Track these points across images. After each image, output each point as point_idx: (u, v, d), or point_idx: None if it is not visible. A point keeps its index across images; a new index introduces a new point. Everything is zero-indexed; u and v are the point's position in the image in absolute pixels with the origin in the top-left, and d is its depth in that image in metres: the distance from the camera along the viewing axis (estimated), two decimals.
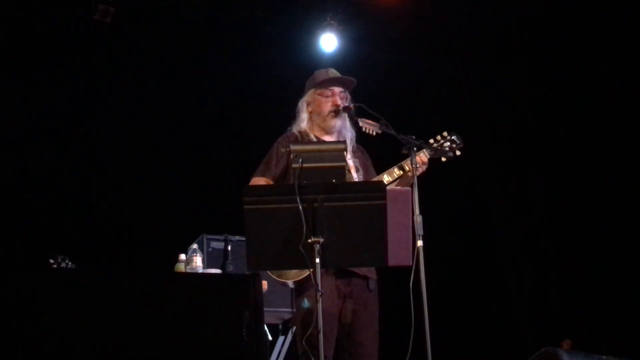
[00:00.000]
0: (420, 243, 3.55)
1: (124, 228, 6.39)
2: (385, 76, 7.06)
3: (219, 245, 5.15)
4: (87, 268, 4.79)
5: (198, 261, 4.22)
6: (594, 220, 6.42)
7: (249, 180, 4.03)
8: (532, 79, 6.92)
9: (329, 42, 7.09)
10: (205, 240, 5.11)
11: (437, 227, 4.14)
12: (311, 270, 3.18)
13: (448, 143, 4.08)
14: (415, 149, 3.83)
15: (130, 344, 3.35)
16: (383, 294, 3.97)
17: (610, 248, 6.30)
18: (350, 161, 3.99)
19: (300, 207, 3.13)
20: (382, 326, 3.92)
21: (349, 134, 4.10)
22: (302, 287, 3.82)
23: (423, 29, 7.04)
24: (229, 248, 5.10)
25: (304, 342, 3.44)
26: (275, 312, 5.08)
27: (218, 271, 4.59)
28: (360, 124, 4.02)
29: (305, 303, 3.71)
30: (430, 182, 3.95)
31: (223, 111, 6.92)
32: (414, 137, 3.86)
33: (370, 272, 3.91)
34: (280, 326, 5.39)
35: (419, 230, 3.56)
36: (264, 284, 3.87)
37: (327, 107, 4.07)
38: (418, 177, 3.75)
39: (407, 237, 3.47)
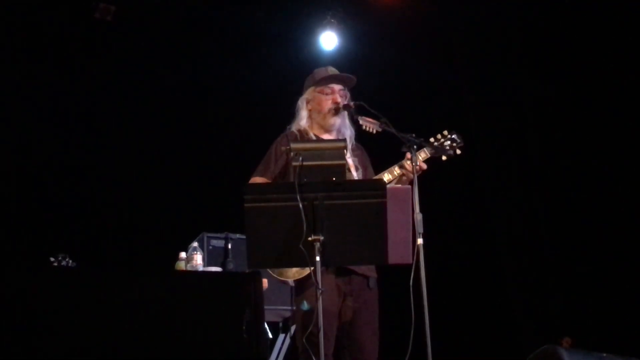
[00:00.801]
0: (420, 241, 3.55)
1: (124, 226, 6.39)
2: (385, 75, 7.06)
3: (220, 243, 5.15)
4: (87, 266, 4.79)
5: (198, 259, 4.22)
6: (594, 219, 6.42)
7: (249, 179, 4.03)
8: (532, 77, 6.92)
9: (329, 40, 7.08)
10: (205, 239, 5.12)
11: (437, 225, 4.14)
12: (312, 268, 3.19)
13: (448, 142, 4.08)
14: (415, 147, 3.83)
15: (131, 342, 3.35)
16: (383, 292, 3.98)
17: (610, 246, 6.30)
18: (349, 160, 3.99)
19: (301, 205, 3.13)
20: (382, 324, 3.93)
21: (349, 132, 4.10)
22: (302, 285, 3.82)
23: (423, 27, 7.04)
24: (230, 246, 5.11)
25: (304, 340, 3.44)
26: (275, 310, 5.09)
27: (218, 269, 4.60)
28: (361, 122, 4.02)
29: (305, 305, 3.71)
30: (430, 181, 3.95)
31: (223, 109, 6.91)
32: (414, 135, 3.86)
33: (370, 270, 3.91)
34: (280, 324, 5.40)
35: (419, 228, 3.56)
36: (264, 282, 3.87)
37: (327, 104, 4.07)
38: (417, 176, 3.75)
39: (407, 235, 3.48)
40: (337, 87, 4.10)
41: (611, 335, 5.95)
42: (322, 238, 3.15)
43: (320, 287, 3.17)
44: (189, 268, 4.19)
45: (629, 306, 6.10)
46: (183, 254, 4.28)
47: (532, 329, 6.74)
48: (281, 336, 5.44)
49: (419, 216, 3.57)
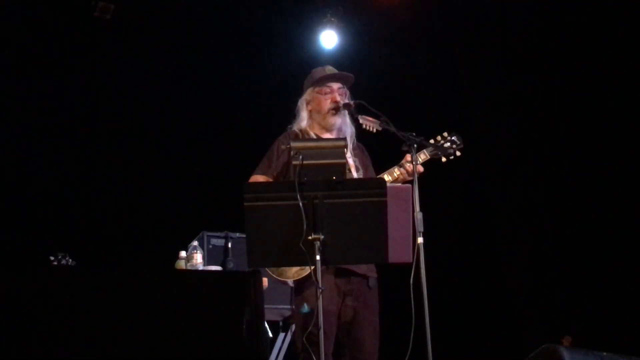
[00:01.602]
0: (420, 240, 3.55)
1: (124, 225, 6.39)
2: (385, 73, 7.05)
3: (220, 242, 5.16)
4: (87, 265, 4.79)
5: (198, 258, 4.23)
6: (595, 217, 6.42)
7: (249, 178, 4.03)
8: (532, 76, 6.91)
9: (329, 39, 7.08)
10: (205, 237, 5.12)
11: (437, 224, 4.14)
12: (312, 268, 3.18)
13: (448, 144, 4.09)
14: (415, 146, 3.83)
15: (131, 342, 3.35)
16: (383, 291, 3.98)
17: (610, 244, 6.29)
18: (350, 160, 3.99)
19: (301, 204, 3.13)
20: (383, 323, 3.92)
21: (349, 131, 4.09)
22: (301, 285, 3.82)
23: (423, 26, 7.04)
24: (230, 245, 5.12)
25: (304, 339, 3.44)
26: (275, 309, 5.09)
27: (218, 268, 4.60)
28: (361, 121, 4.02)
29: (305, 308, 3.71)
30: (430, 179, 3.95)
31: (223, 108, 6.91)
32: (414, 134, 3.86)
33: (370, 270, 3.91)
34: (280, 323, 5.40)
35: (419, 227, 3.56)
36: (264, 281, 3.87)
37: (326, 104, 4.07)
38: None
39: (407, 234, 3.47)
40: (335, 85, 4.10)
41: (611, 334, 5.95)
42: (322, 237, 3.15)
43: (320, 286, 3.17)
44: (189, 267, 4.19)
45: (630, 305, 6.10)
46: (183, 253, 4.28)
47: (532, 328, 6.74)
48: (281, 335, 5.44)
49: (419, 215, 3.56)
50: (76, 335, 3.30)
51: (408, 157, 3.90)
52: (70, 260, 4.56)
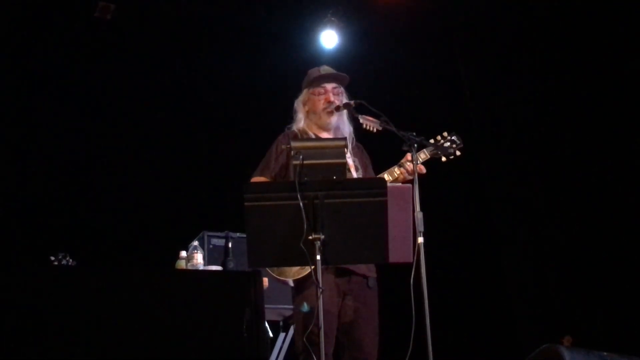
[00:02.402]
0: (420, 240, 3.55)
1: (124, 225, 6.39)
2: (386, 73, 7.06)
3: (220, 242, 5.16)
4: (88, 265, 4.79)
5: (199, 258, 4.22)
6: (595, 217, 6.42)
7: (249, 178, 4.03)
8: (533, 75, 6.91)
9: (329, 38, 7.08)
10: (206, 237, 5.12)
11: (437, 224, 4.14)
12: (312, 267, 3.18)
13: (448, 143, 4.09)
14: (415, 145, 3.83)
15: (131, 341, 3.35)
16: (383, 291, 3.98)
17: (611, 244, 6.29)
18: (349, 160, 3.99)
19: (301, 204, 3.13)
20: (383, 323, 3.92)
21: (347, 130, 4.10)
22: (301, 285, 3.82)
23: (424, 25, 7.04)
24: (230, 245, 5.11)
25: (304, 339, 3.44)
26: (276, 309, 5.09)
27: (219, 268, 4.60)
28: (361, 120, 4.02)
29: (305, 307, 3.71)
30: (430, 179, 3.95)
31: (224, 108, 6.91)
32: (414, 133, 3.86)
33: (370, 270, 3.91)
34: (281, 323, 5.40)
35: (420, 227, 3.56)
36: (265, 280, 3.87)
37: (321, 104, 4.09)
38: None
39: (407, 234, 3.47)
40: (329, 86, 4.12)
41: (612, 334, 5.95)
42: (322, 237, 3.15)
43: (320, 286, 3.17)
44: (189, 267, 4.19)
45: (630, 305, 6.10)
46: (183, 253, 4.27)
47: (532, 328, 6.74)
48: (281, 335, 5.44)
49: (419, 215, 3.56)
50: (77, 335, 3.30)
51: (408, 156, 3.90)
52: (71, 260, 4.56)
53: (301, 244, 3.14)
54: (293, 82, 4.40)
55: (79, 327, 3.31)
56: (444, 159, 4.08)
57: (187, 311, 3.44)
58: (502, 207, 7.16)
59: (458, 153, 4.11)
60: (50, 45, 6.40)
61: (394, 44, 7.12)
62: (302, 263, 3.30)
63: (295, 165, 3.20)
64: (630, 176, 6.22)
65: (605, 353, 4.24)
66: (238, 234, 5.10)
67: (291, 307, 4.10)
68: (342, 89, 4.13)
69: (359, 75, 4.17)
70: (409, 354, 3.52)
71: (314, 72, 4.17)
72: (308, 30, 7.13)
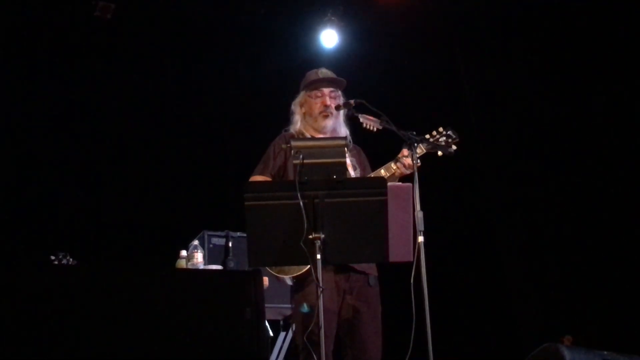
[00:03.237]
0: (421, 239, 3.55)
1: (125, 224, 6.40)
2: (386, 72, 7.06)
3: (220, 241, 5.15)
4: (88, 264, 4.79)
5: (199, 257, 4.23)
6: (595, 216, 6.42)
7: (249, 177, 4.04)
8: (533, 73, 6.91)
9: (329, 38, 7.08)
10: (206, 237, 5.12)
11: (438, 223, 4.14)
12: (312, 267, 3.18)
13: (444, 138, 4.10)
14: (416, 145, 3.84)
15: (131, 341, 3.35)
16: (384, 290, 3.98)
17: (611, 243, 6.29)
18: (347, 159, 3.99)
19: (301, 203, 3.12)
20: (383, 322, 3.92)
21: (344, 133, 4.11)
22: (301, 283, 3.82)
23: (424, 24, 7.04)
24: (230, 244, 5.11)
25: (304, 338, 3.44)
26: (276, 308, 5.09)
27: (219, 267, 4.60)
28: (361, 119, 4.02)
29: (305, 308, 3.71)
30: (431, 178, 3.95)
31: (224, 107, 6.92)
32: (414, 133, 3.86)
33: (370, 268, 3.91)
34: (281, 322, 5.40)
35: (420, 226, 3.56)
36: (265, 280, 3.87)
37: (317, 107, 4.10)
38: (411, 174, 3.75)
39: (408, 233, 3.47)
40: (326, 89, 4.13)
41: (612, 333, 5.95)
42: (322, 236, 3.15)
43: (321, 285, 3.17)
44: (189, 266, 4.19)
45: (630, 304, 6.10)
46: (184, 252, 4.28)
47: (532, 327, 6.74)
48: (282, 334, 5.44)
49: (419, 214, 3.56)
50: (77, 334, 3.30)
51: (404, 151, 3.91)
52: (71, 259, 4.57)
53: (301, 244, 3.13)
54: (293, 81, 4.40)
55: (80, 326, 3.31)
56: (440, 153, 4.09)
57: (187, 310, 3.44)
58: (502, 206, 7.16)
59: (454, 147, 4.11)
60: (50, 45, 6.40)
61: (394, 44, 7.12)
62: (303, 262, 3.30)
63: (295, 165, 3.19)
64: (631, 176, 6.22)
65: (605, 352, 4.24)
66: (238, 233, 5.10)
67: (291, 306, 4.10)
68: (339, 93, 4.15)
69: (359, 74, 4.18)
70: (409, 353, 3.52)
71: (312, 75, 4.18)
72: (308, 30, 7.13)
